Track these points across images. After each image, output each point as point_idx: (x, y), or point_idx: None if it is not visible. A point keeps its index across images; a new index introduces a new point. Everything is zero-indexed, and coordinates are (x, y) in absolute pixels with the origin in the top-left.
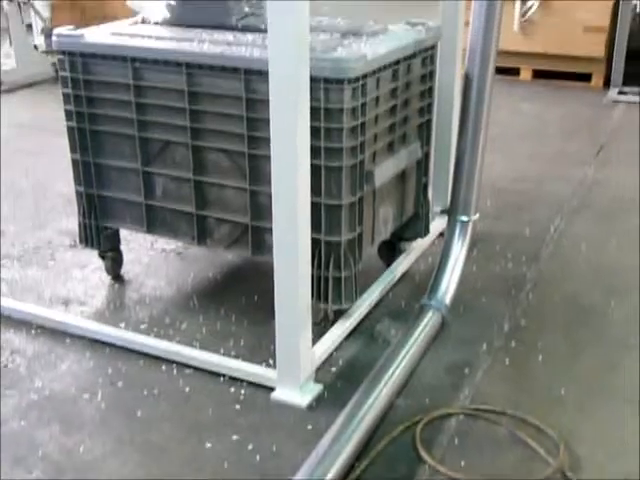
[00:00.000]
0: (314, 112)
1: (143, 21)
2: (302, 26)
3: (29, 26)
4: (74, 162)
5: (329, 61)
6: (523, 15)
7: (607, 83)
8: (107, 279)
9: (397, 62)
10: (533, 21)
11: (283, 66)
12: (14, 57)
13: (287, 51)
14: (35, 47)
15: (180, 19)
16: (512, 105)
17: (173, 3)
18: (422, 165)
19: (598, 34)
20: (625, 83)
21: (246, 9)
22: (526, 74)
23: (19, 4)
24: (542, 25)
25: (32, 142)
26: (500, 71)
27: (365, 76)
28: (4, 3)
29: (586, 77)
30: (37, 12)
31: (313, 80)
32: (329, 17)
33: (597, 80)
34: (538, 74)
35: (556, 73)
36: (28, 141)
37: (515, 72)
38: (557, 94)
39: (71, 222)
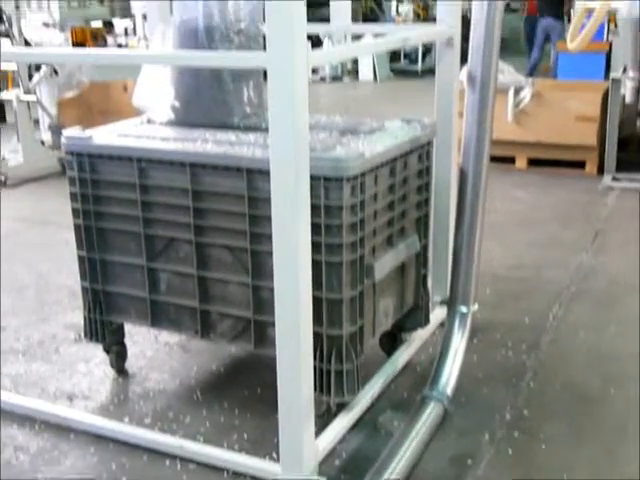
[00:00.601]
0: (314, 209)
1: (149, 121)
2: (302, 126)
3: (36, 122)
4: (80, 258)
5: (328, 160)
6: (516, 106)
7: (601, 170)
8: (111, 373)
9: (394, 159)
10: (526, 111)
11: (284, 166)
12: (21, 152)
13: (287, 151)
14: (42, 142)
15: (184, 120)
16: (508, 193)
17: (177, 105)
18: (421, 257)
19: (589, 123)
20: (618, 170)
21: (248, 109)
22: (521, 162)
23: (28, 102)
24: (535, 115)
25: (36, 235)
26: (496, 159)
27: (363, 174)
28: (14, 101)
29: (580, 164)
30: (45, 109)
31: (313, 178)
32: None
33: (591, 167)
34: (533, 162)
35: (551, 161)
36: (32, 234)
37: (510, 160)
38: (552, 181)
39: (75, 315)
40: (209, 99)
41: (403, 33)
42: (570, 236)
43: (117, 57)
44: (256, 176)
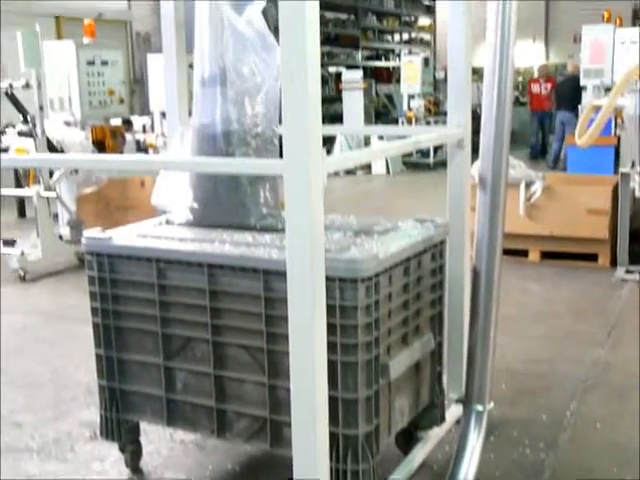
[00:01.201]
0: (330, 309)
1: (167, 222)
2: (317, 229)
3: (55, 216)
4: (98, 357)
5: (343, 261)
6: (528, 199)
7: (614, 263)
8: (126, 472)
9: (408, 259)
10: (538, 205)
11: (300, 267)
12: (40, 247)
13: (304, 253)
14: (60, 237)
15: (202, 221)
16: (522, 286)
17: (196, 206)
18: (436, 355)
19: (601, 217)
20: (631, 262)
21: (264, 210)
22: (534, 256)
23: (48, 198)
24: (547, 209)
25: (52, 330)
26: (508, 253)
27: (378, 275)
28: (34, 197)
29: (592, 257)
30: (64, 205)
31: (328, 279)
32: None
33: (603, 260)
34: (546, 255)
35: (563, 254)
36: (48, 329)
37: (523, 254)
38: (565, 274)
39: (91, 413)
40: (227, 201)
41: (415, 137)
42: (585, 330)
43: (138, 163)
44: (272, 277)
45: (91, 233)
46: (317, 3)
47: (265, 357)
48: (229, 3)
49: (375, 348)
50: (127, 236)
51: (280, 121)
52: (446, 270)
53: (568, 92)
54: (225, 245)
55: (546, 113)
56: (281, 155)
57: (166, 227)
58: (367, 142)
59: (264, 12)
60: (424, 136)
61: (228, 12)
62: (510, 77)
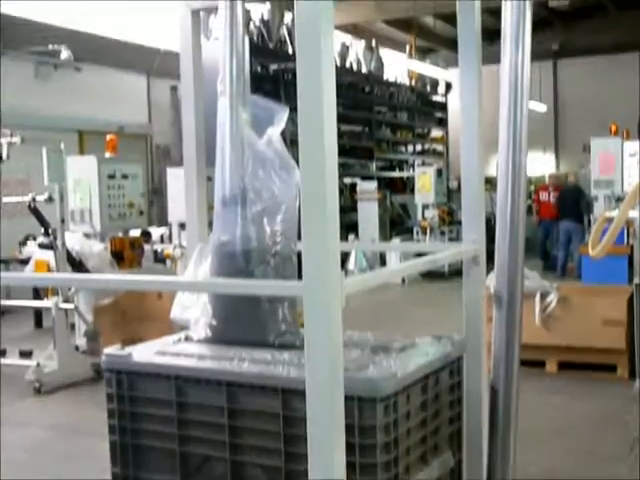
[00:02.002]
0: (348, 429)
1: (186, 338)
2: (336, 349)
3: (72, 326)
4: (114, 475)
5: (362, 381)
6: (543, 310)
7: (632, 374)
8: None
9: (426, 377)
10: (554, 316)
11: (319, 386)
12: (56, 359)
13: (323, 373)
14: (76, 348)
15: (221, 337)
16: (540, 398)
17: (215, 323)
18: (455, 473)
19: (617, 327)
20: None
21: (283, 327)
22: (552, 366)
23: (66, 311)
24: (563, 319)
25: (67, 445)
26: (525, 363)
27: (396, 393)
28: (52, 309)
29: (611, 368)
30: (81, 315)
31: (347, 398)
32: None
33: (622, 371)
34: (563, 366)
35: (581, 364)
36: (64, 445)
37: (541, 364)
38: (583, 386)
39: None
40: (246, 318)
41: (431, 256)
42: (605, 445)
43: (158, 284)
44: (291, 395)
45: (111, 350)
46: (335, 128)
47: (283, 477)
48: (250, 125)
49: (394, 467)
50: (146, 353)
51: (299, 237)
52: (464, 386)
53: (570, 202)
54: (244, 363)
55: (554, 221)
56: (299, 273)
57: (185, 344)
58: (382, 253)
59: (283, 133)
60: (440, 254)
61: (249, 134)
62: (523, 188)
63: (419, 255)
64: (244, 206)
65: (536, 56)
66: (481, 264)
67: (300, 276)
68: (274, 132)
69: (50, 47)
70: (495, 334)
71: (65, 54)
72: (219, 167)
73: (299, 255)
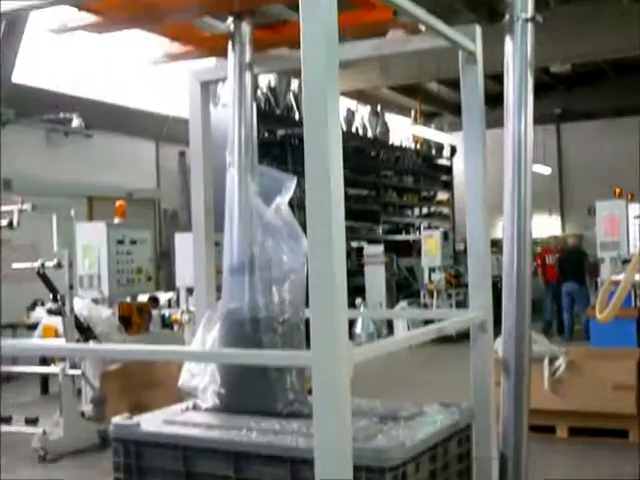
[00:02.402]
0: None
1: (194, 407)
2: (345, 417)
3: (79, 392)
4: None
5: (370, 451)
6: (552, 375)
7: None
8: None
9: (435, 446)
10: (562, 380)
11: (327, 456)
12: (62, 426)
13: (331, 442)
14: (82, 414)
15: (229, 406)
16: (550, 465)
17: (223, 391)
18: None
19: (627, 392)
20: None
21: (291, 396)
22: (562, 432)
23: (73, 377)
24: (572, 384)
25: None
26: (535, 429)
27: (405, 463)
28: (60, 375)
29: (623, 433)
30: (88, 381)
31: (356, 469)
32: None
33: (634, 436)
34: (574, 431)
35: (592, 429)
36: None
37: (551, 430)
38: (595, 452)
39: None
40: (254, 386)
41: (438, 324)
42: None
43: (167, 354)
44: (300, 465)
45: (119, 420)
46: (342, 194)
47: None
48: (258, 194)
49: None
50: (154, 422)
51: (307, 305)
52: (473, 454)
53: (572, 264)
54: (252, 433)
55: (559, 284)
56: (307, 341)
57: (193, 412)
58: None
59: (291, 200)
60: (447, 322)
61: (257, 203)
62: (528, 253)
63: (426, 322)
64: (252, 274)
65: (539, 120)
66: (488, 331)
67: (308, 344)
68: (282, 201)
69: (61, 115)
70: (503, 400)
71: (76, 122)
72: (228, 235)
73: (307, 322)
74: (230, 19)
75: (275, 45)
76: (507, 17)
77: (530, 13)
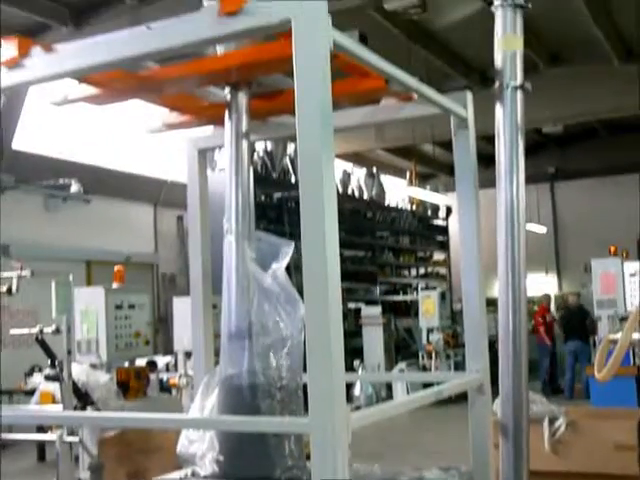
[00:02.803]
0: None
1: (193, 474)
2: None
3: (76, 459)
4: None
5: None
6: (552, 435)
7: None
8: None
9: None
10: (563, 441)
11: None
12: None
13: None
14: None
15: (228, 473)
16: None
17: (221, 458)
18: None
19: (629, 452)
20: None
21: (289, 462)
22: None
23: (70, 444)
24: (573, 444)
25: None
26: None
27: None
28: (57, 442)
29: None
30: (86, 449)
31: None
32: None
33: None
34: None
35: None
36: None
37: None
38: None
39: None
40: (252, 453)
41: (436, 388)
42: None
43: (166, 421)
44: None
45: None
46: (337, 258)
47: None
48: (255, 260)
49: None
50: None
51: (305, 370)
52: None
53: (575, 322)
54: None
55: (553, 343)
56: (305, 406)
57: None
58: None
59: (287, 268)
60: (444, 386)
61: (254, 269)
62: (524, 313)
63: (425, 385)
64: (250, 340)
65: (533, 179)
66: (486, 393)
67: (306, 409)
68: (279, 267)
69: (60, 181)
70: (503, 463)
71: (75, 187)
72: (225, 301)
73: (305, 387)
74: (227, 89)
75: (271, 113)
76: (497, 84)
77: (519, 81)
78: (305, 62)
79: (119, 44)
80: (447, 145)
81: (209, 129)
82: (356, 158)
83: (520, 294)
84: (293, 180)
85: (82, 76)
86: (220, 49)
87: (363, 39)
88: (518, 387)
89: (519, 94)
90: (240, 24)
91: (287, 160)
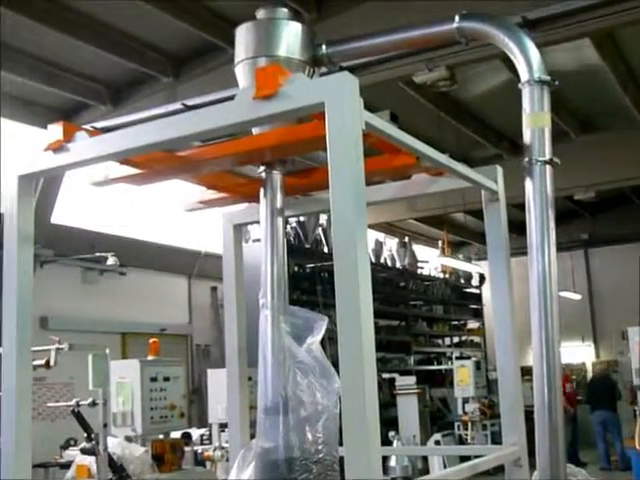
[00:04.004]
0: None
1: None
2: None
3: None
4: None
5: None
6: None
7: None
8: None
9: None
10: None
11: None
12: None
13: None
14: None
15: None
16: None
17: None
18: None
19: None
20: None
21: None
22: None
23: None
24: None
25: None
26: None
27: None
28: None
29: None
30: None
31: None
32: None
33: None
34: None
35: None
36: None
37: None
38: None
39: None
40: None
41: (473, 462)
42: None
43: None
44: None
45: None
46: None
47: None
48: (290, 334)
49: None
50: None
51: (341, 444)
52: None
53: (603, 391)
54: None
55: (574, 415)
56: (342, 478)
57: None
58: (424, 444)
59: (322, 340)
60: (481, 460)
61: (290, 343)
62: (559, 384)
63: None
64: (286, 414)
65: (567, 246)
66: (524, 466)
67: None
68: (314, 340)
69: (97, 254)
70: None
71: (111, 260)
72: (262, 376)
73: (341, 463)
74: (262, 168)
75: (305, 190)
76: (526, 159)
77: (548, 156)
78: (338, 143)
79: (160, 128)
80: (478, 213)
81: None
82: (388, 228)
83: (555, 366)
84: (326, 250)
85: (122, 158)
86: (255, 129)
87: (394, 118)
88: (556, 461)
89: (548, 168)
90: (275, 107)
91: (320, 230)
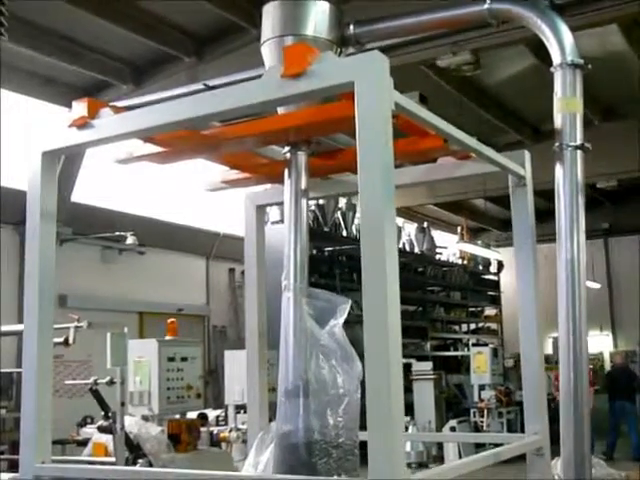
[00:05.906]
0: None
1: None
2: None
3: None
4: None
5: None
6: None
7: None
8: None
9: None
10: None
11: None
12: None
13: None
14: None
15: None
16: None
17: None
18: None
19: None
20: None
21: None
22: None
23: None
24: None
25: None
26: None
27: None
28: None
29: None
30: None
31: None
32: None
33: None
34: None
35: None
36: None
37: None
38: None
39: None
40: None
41: (494, 450)
42: None
43: (222, 479)
44: None
45: None
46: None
47: None
48: (312, 317)
49: None
50: None
51: (362, 428)
52: None
53: (622, 381)
54: None
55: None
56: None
57: None
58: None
59: (344, 325)
60: (502, 448)
61: (312, 326)
62: (585, 373)
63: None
64: (306, 398)
65: (587, 235)
66: (546, 455)
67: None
68: (336, 323)
69: (116, 233)
70: None
71: (130, 239)
72: (283, 358)
73: (362, 448)
74: (287, 148)
75: (330, 172)
76: (556, 144)
77: (579, 140)
78: (368, 123)
79: (186, 105)
80: (498, 200)
81: (266, 184)
82: (407, 212)
83: (582, 354)
84: (344, 234)
85: (147, 136)
86: (280, 109)
87: (423, 99)
88: (580, 450)
89: (579, 154)
90: (304, 86)
91: (339, 214)
